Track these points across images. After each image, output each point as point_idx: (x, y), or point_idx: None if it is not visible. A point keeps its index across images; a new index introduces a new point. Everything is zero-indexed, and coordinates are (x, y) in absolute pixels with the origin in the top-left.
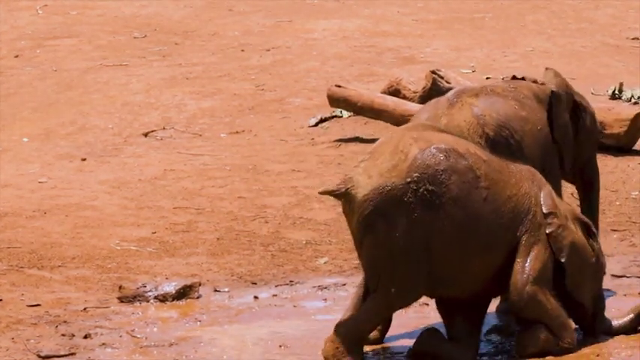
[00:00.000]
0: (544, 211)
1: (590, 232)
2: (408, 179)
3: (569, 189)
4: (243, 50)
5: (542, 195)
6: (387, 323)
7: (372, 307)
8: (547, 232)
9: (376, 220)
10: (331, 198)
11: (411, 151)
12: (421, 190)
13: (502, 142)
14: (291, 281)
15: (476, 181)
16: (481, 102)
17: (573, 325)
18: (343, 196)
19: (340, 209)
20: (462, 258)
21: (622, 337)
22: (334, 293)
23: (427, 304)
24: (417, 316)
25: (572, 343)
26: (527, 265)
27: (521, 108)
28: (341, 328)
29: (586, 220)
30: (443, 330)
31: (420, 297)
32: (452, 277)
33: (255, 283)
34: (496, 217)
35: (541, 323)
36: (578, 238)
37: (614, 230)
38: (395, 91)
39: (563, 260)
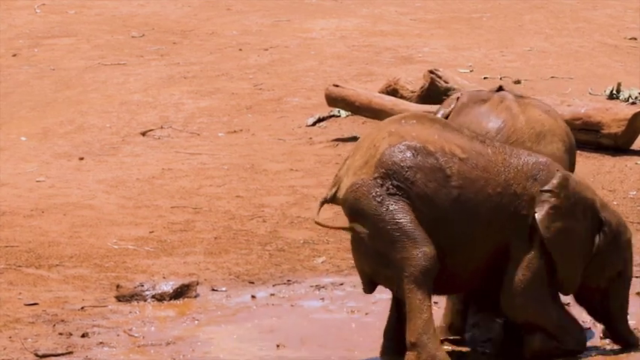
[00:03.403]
0: (542, 188)
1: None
2: (376, 175)
3: None
4: (241, 50)
5: (553, 179)
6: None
7: (413, 300)
8: (535, 209)
9: (357, 219)
10: None
11: (381, 146)
12: (387, 185)
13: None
14: (288, 280)
15: (445, 180)
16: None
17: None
18: (333, 199)
19: (337, 209)
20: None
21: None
22: (332, 292)
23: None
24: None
25: (577, 345)
26: (516, 273)
27: None
28: (412, 342)
29: (608, 220)
30: None
31: (437, 267)
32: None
33: (252, 283)
34: (471, 216)
35: (539, 329)
36: (578, 227)
37: None
38: (393, 91)
39: (545, 242)
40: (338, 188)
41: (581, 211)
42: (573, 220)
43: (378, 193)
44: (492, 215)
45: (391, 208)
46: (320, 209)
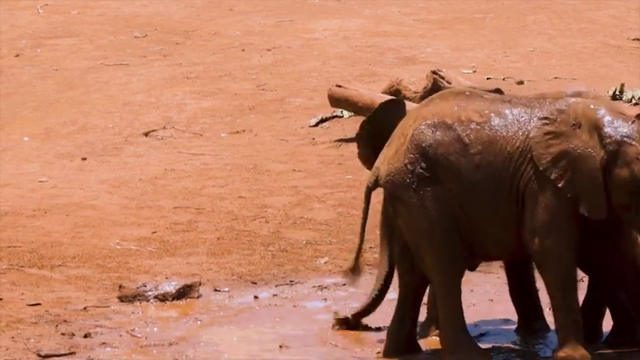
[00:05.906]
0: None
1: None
2: (406, 161)
3: None
4: (243, 50)
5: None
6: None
7: (440, 292)
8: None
9: (395, 204)
10: (332, 198)
11: (408, 133)
12: (417, 170)
13: None
14: (291, 281)
15: (464, 150)
16: None
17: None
18: (376, 185)
19: (340, 209)
20: (476, 224)
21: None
22: (334, 293)
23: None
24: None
25: (568, 315)
26: (535, 217)
27: None
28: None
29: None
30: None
31: (466, 264)
32: (478, 242)
33: (255, 283)
34: (495, 179)
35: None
36: (579, 151)
37: None
38: (396, 92)
39: (541, 169)
40: (378, 175)
41: (586, 133)
42: (575, 141)
43: (412, 180)
44: (515, 171)
45: (426, 196)
46: (369, 197)
